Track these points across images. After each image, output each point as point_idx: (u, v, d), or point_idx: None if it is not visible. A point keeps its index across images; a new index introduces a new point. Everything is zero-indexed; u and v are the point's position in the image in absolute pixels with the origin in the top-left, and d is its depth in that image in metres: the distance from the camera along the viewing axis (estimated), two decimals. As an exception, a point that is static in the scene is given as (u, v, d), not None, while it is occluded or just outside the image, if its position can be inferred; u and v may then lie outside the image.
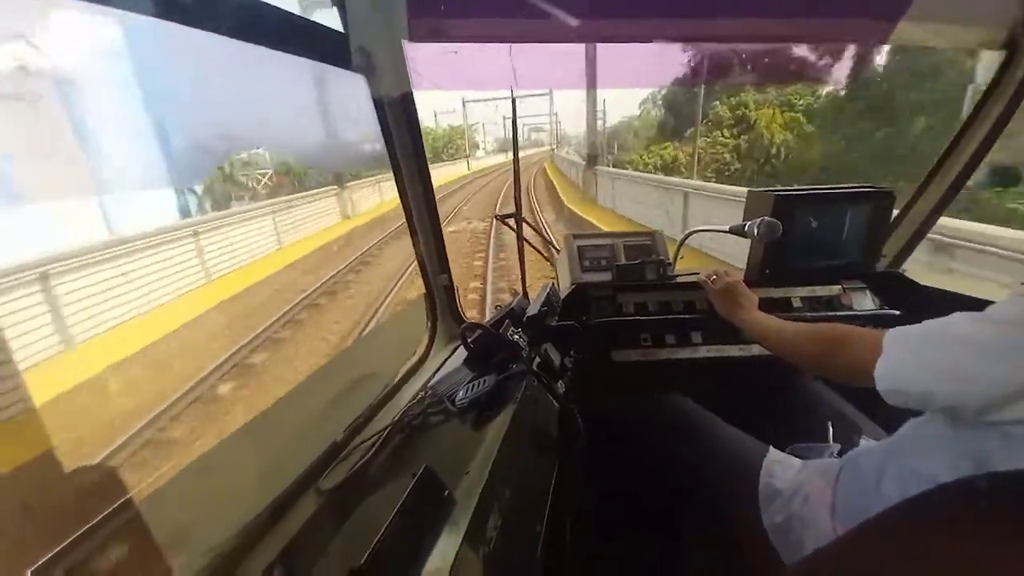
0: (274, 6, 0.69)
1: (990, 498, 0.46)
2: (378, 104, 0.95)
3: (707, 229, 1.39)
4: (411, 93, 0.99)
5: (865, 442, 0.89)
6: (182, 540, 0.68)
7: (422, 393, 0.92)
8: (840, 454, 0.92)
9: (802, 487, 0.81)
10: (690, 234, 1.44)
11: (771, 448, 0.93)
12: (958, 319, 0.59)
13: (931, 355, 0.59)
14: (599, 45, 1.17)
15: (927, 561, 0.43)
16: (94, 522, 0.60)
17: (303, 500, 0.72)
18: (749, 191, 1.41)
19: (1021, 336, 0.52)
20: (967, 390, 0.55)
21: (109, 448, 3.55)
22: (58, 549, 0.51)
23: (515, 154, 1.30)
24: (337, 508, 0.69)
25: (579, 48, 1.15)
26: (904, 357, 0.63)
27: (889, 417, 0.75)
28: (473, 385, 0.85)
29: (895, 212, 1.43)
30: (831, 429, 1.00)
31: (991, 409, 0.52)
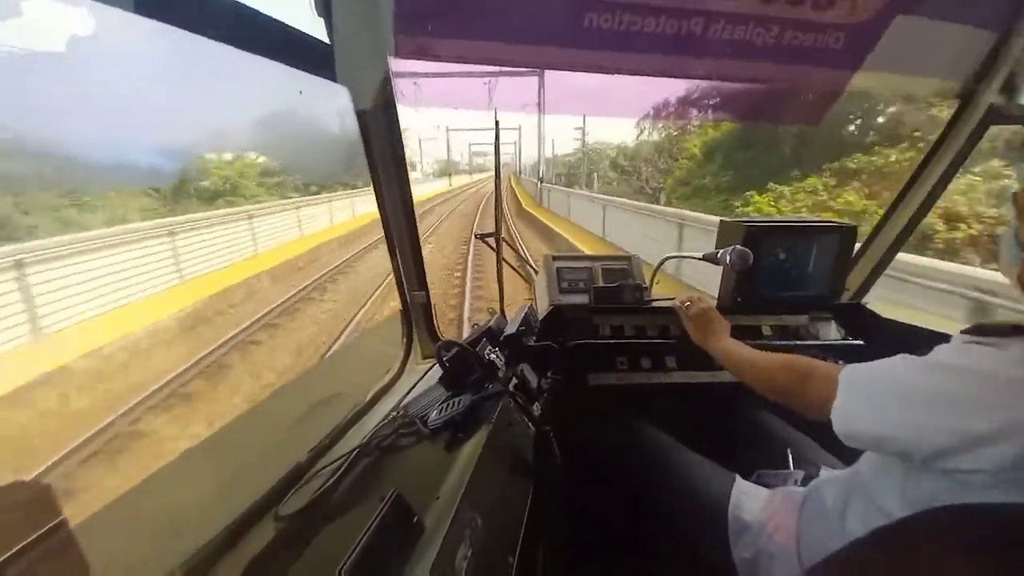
0: (263, 14, 0.68)
1: (949, 531, 0.46)
2: (360, 117, 0.94)
3: (682, 256, 1.43)
4: (395, 108, 0.99)
5: (825, 472, 0.90)
6: (121, 570, 0.62)
7: (394, 413, 0.89)
8: (804, 481, 0.93)
9: (769, 520, 0.81)
10: (666, 259, 1.47)
11: (738, 477, 0.93)
12: (906, 366, 0.61)
13: (880, 402, 0.61)
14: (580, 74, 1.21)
15: None
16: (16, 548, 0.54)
17: (259, 527, 0.67)
18: (721, 220, 1.46)
19: (965, 388, 0.54)
20: (915, 439, 0.56)
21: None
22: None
23: (496, 175, 1.31)
24: (297, 535, 0.64)
25: (562, 74, 1.18)
26: (856, 402, 0.65)
27: (844, 448, 0.77)
28: (447, 405, 0.83)
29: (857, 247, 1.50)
30: (790, 457, 1.01)
31: (940, 457, 0.54)
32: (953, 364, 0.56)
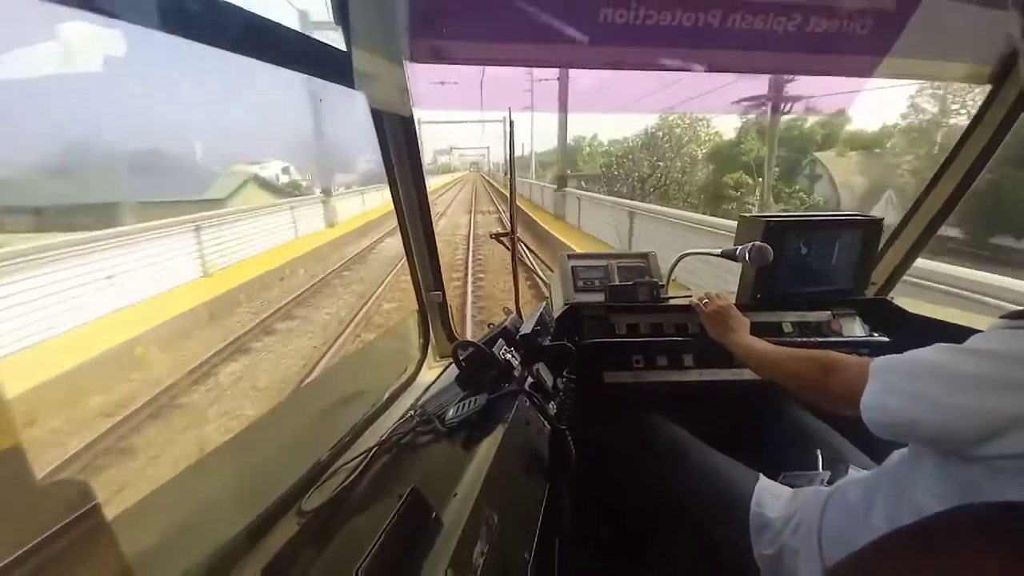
0: (281, 24, 0.70)
1: (976, 529, 0.45)
2: (378, 122, 0.96)
3: (699, 252, 1.41)
4: (411, 111, 1.00)
5: (854, 471, 0.88)
6: (152, 563, 0.65)
7: (411, 412, 0.91)
8: (830, 482, 0.91)
9: (793, 517, 0.80)
10: (683, 256, 1.45)
11: (761, 476, 0.92)
12: (942, 351, 0.59)
13: (916, 387, 0.60)
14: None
15: None
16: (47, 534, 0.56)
17: (283, 522, 0.69)
18: (740, 216, 1.43)
19: (1002, 370, 0.52)
20: (951, 422, 0.55)
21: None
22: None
23: (511, 174, 1.31)
24: (319, 530, 0.67)
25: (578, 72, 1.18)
26: (889, 388, 0.63)
27: (877, 447, 0.75)
28: (464, 404, 0.84)
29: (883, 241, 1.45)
30: (820, 457, 0.99)
31: (974, 443, 0.53)
32: (991, 349, 0.55)
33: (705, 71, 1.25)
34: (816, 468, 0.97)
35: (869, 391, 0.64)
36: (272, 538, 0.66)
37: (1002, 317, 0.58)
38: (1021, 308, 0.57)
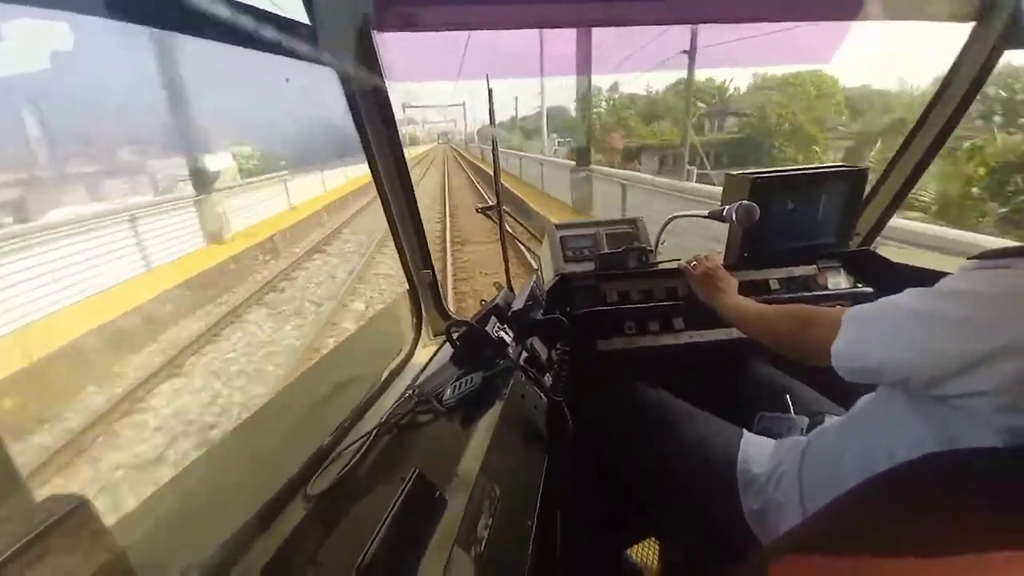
0: (239, 2, 0.66)
1: (946, 476, 0.47)
2: (349, 97, 0.92)
3: (687, 215, 1.40)
4: (383, 84, 0.96)
5: (828, 419, 0.91)
6: (164, 553, 0.66)
7: (408, 392, 0.92)
8: (808, 429, 0.95)
9: (776, 470, 0.83)
10: (671, 220, 1.45)
11: (745, 432, 0.95)
12: (915, 294, 0.60)
13: (883, 330, 0.61)
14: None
15: (892, 540, 0.44)
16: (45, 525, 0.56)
17: (290, 507, 0.71)
18: (726, 174, 1.42)
19: (967, 310, 0.53)
20: (917, 362, 0.56)
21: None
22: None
23: (494, 145, 1.28)
24: (326, 514, 0.68)
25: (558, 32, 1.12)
26: (859, 333, 0.65)
27: (850, 396, 0.78)
28: (460, 383, 0.85)
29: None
30: (790, 402, 1.03)
31: (939, 382, 0.54)
32: (960, 289, 0.56)
33: (688, 23, 1.21)
34: (789, 412, 1.01)
35: (840, 338, 0.66)
36: (280, 525, 0.68)
37: (971, 258, 0.58)
38: (993, 249, 0.57)
